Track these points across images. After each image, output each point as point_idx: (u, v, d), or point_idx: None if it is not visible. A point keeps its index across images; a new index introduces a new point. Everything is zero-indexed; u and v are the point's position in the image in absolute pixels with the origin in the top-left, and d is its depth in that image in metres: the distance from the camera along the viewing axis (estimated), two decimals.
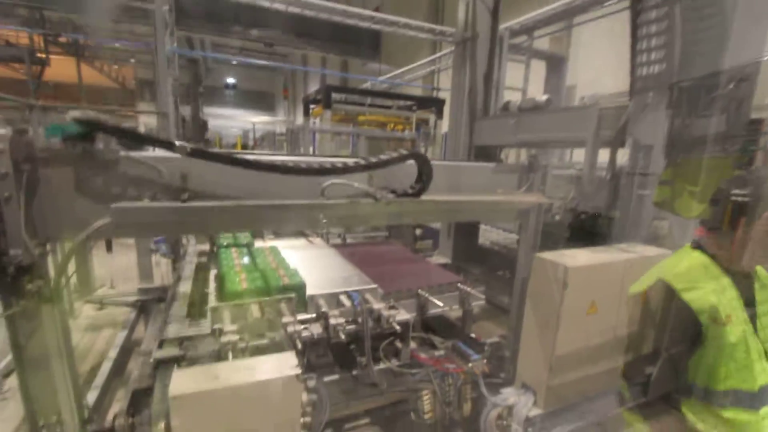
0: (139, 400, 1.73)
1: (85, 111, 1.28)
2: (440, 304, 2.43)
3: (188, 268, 3.16)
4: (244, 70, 22.43)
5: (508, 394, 2.37)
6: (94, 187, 1.46)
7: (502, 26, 5.34)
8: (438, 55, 9.51)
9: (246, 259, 2.63)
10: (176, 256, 3.88)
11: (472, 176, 2.23)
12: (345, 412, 2.19)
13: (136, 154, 1.51)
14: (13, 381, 3.16)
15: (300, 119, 10.25)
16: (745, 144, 2.28)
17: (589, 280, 2.14)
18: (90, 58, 16.45)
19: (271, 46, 13.87)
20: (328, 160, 1.74)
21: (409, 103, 8.81)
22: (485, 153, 3.62)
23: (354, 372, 2.28)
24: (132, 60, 17.59)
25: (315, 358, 2.37)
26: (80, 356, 3.41)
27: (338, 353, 2.44)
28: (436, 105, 8.36)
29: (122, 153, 1.49)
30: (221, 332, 1.78)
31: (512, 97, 5.01)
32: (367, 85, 12.25)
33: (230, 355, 1.70)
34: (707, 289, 1.88)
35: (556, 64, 6.99)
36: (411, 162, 1.87)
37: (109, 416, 1.66)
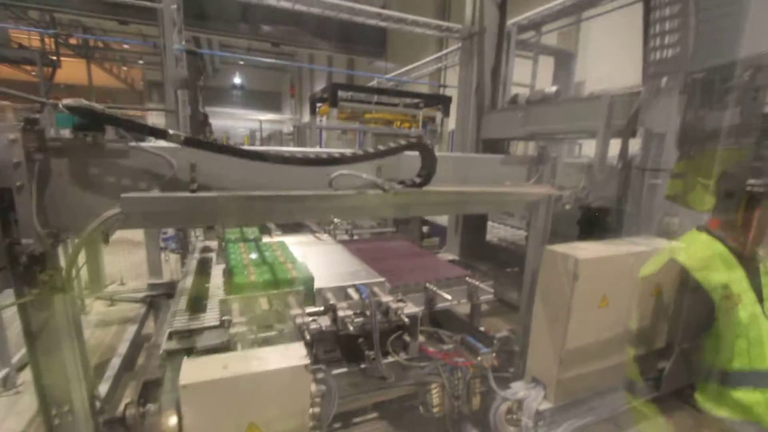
0: (150, 390, 1.75)
1: (77, 99, 1.29)
2: (448, 297, 2.41)
3: (196, 262, 3.18)
4: (251, 70, 22.56)
5: (518, 388, 2.35)
6: (104, 178, 1.47)
7: (509, 21, 5.30)
8: (444, 52, 9.49)
9: (254, 254, 2.64)
10: (185, 251, 3.91)
11: (480, 168, 2.20)
12: (353, 406, 2.18)
13: (146, 145, 1.52)
14: (26, 375, 3.21)
15: (306, 118, 10.27)
16: (761, 136, 2.23)
17: (600, 272, 2.11)
18: (100, 60, 16.70)
19: (277, 46, 13.92)
20: (333, 151, 1.74)
21: (415, 100, 8.78)
22: (493, 147, 3.59)
23: (362, 365, 2.28)
24: (140, 61, 17.81)
25: (323, 353, 2.37)
26: (91, 351, 3.44)
27: (346, 348, 2.43)
28: (443, 102, 8.32)
29: (132, 144, 1.50)
30: (230, 323, 1.79)
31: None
32: (373, 83, 12.25)
33: (239, 346, 1.71)
34: (718, 268, 1.91)
35: (564, 60, 6.93)
36: (418, 155, 1.86)
37: (120, 407, 1.67)
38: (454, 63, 9.11)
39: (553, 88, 2.66)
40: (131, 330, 3.43)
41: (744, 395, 1.90)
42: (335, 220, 4.87)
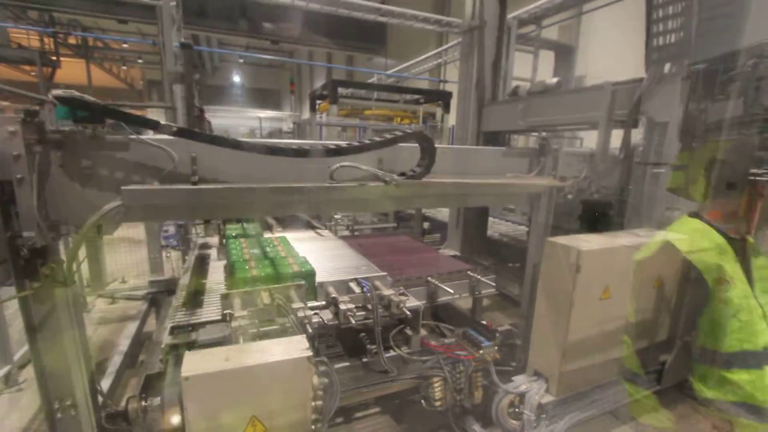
0: (152, 384, 1.75)
1: (68, 90, 1.28)
2: (450, 291, 2.41)
3: (198, 259, 3.18)
4: (250, 68, 22.51)
5: (520, 382, 2.35)
6: (104, 170, 1.47)
7: (509, 15, 5.27)
8: (444, 47, 9.44)
9: (255, 249, 2.64)
10: (186, 248, 3.91)
11: (481, 160, 2.19)
12: (356, 400, 2.18)
13: (146, 138, 1.51)
14: (28, 372, 3.21)
15: (306, 115, 10.25)
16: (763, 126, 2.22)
17: (602, 264, 2.10)
18: (99, 60, 16.67)
19: (276, 44, 13.87)
20: (332, 143, 1.73)
21: (415, 96, 8.75)
22: (493, 140, 3.58)
23: (364, 359, 2.28)
24: (140, 60, 17.78)
25: (325, 348, 2.36)
26: (92, 348, 3.45)
27: (348, 343, 2.43)
28: (443, 98, 8.29)
29: (132, 136, 1.49)
30: (232, 317, 1.78)
31: None
32: (373, 80, 12.21)
33: (241, 339, 1.70)
34: (711, 251, 1.97)
35: (565, 54, 6.90)
36: (418, 149, 1.85)
37: (122, 402, 1.67)
38: (454, 58, 9.06)
39: (555, 80, 2.64)
40: (133, 326, 3.43)
41: (734, 376, 1.96)
42: (336, 216, 4.87)
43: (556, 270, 2.14)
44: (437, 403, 2.30)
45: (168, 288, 3.74)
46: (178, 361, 1.63)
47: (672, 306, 2.46)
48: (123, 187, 1.40)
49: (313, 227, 3.95)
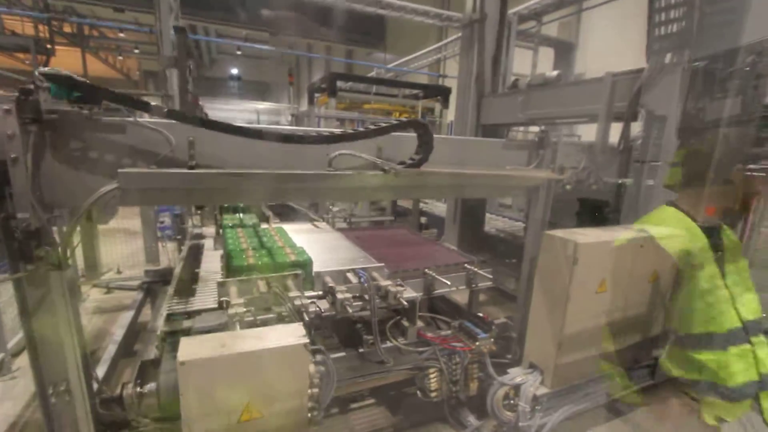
0: (147, 370, 1.73)
1: (55, 68, 1.27)
2: (447, 282, 2.41)
3: (194, 249, 3.16)
4: (248, 61, 22.32)
5: (516, 374, 2.36)
6: (100, 153, 1.45)
7: (510, 11, 5.25)
8: (444, 42, 9.42)
9: (252, 238, 2.62)
10: (182, 238, 3.89)
11: (479, 152, 2.18)
12: (352, 389, 2.18)
13: (143, 120, 1.49)
14: (21, 360, 3.19)
15: (304, 107, 10.22)
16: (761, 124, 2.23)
17: (599, 257, 2.11)
18: (95, 49, 16.46)
19: (275, 36, 13.77)
20: (330, 129, 1.72)
21: (414, 91, 8.73)
22: (492, 133, 3.57)
23: (360, 350, 2.28)
24: (136, 51, 17.58)
25: (321, 339, 2.36)
26: (87, 337, 3.43)
27: (344, 334, 2.43)
28: (442, 93, 8.27)
29: (129, 119, 1.47)
30: (228, 304, 1.78)
31: None
32: (372, 74, 12.16)
33: (237, 327, 1.70)
34: (681, 237, 2.05)
35: (564, 51, 6.90)
36: (417, 140, 1.84)
37: (118, 388, 1.66)
38: (453, 53, 9.04)
39: (555, 72, 2.64)
40: (128, 316, 3.41)
41: (700, 356, 2.03)
42: (333, 208, 4.86)
43: (553, 262, 2.14)
44: (433, 394, 2.31)
45: (164, 278, 3.72)
46: (174, 348, 1.62)
47: (667, 301, 2.47)
48: (120, 170, 1.38)
49: (310, 219, 3.93)
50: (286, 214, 4.33)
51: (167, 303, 2.03)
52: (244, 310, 1.75)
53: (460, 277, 2.62)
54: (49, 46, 11.47)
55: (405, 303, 2.09)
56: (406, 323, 2.39)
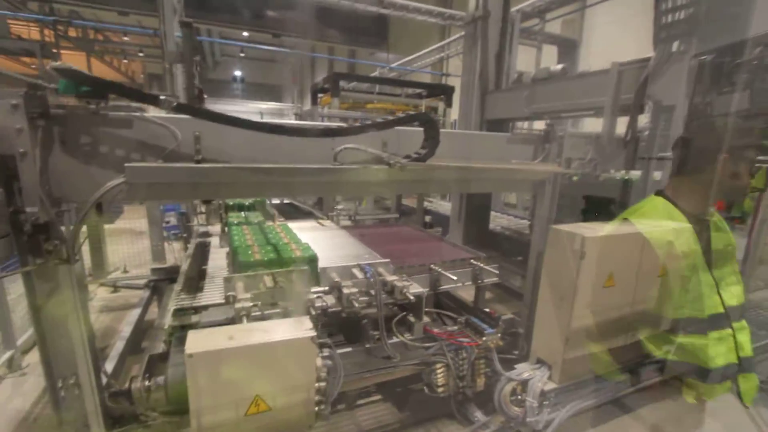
0: (155, 365, 1.74)
1: (65, 63, 1.28)
2: (453, 278, 2.40)
3: (199, 246, 3.18)
4: (252, 63, 22.44)
5: (523, 369, 2.34)
6: (107, 147, 1.46)
7: (513, 9, 5.24)
8: (447, 41, 9.41)
9: (258, 235, 2.63)
10: (188, 235, 3.91)
11: (485, 146, 2.18)
12: (359, 385, 2.18)
13: (150, 116, 1.50)
14: (31, 357, 3.22)
15: (308, 107, 10.25)
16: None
17: (606, 251, 2.09)
18: (100, 53, 16.62)
19: (278, 37, 13.82)
20: (337, 124, 1.72)
21: (417, 90, 8.72)
22: (497, 130, 3.56)
23: (367, 345, 2.27)
24: (141, 54, 17.72)
25: (327, 336, 2.36)
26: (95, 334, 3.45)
27: (350, 331, 2.43)
28: (445, 92, 8.26)
29: (136, 114, 1.48)
30: (234, 299, 1.78)
31: None
32: (375, 74, 12.18)
33: (244, 321, 1.70)
34: (666, 227, 2.05)
35: (568, 49, 6.87)
36: (423, 134, 1.84)
37: (126, 382, 1.67)
38: (456, 52, 9.03)
39: (559, 66, 2.62)
40: (135, 313, 3.43)
41: (679, 339, 2.09)
42: (338, 206, 4.86)
43: (560, 257, 2.13)
44: (440, 390, 2.30)
45: (170, 276, 3.75)
46: (181, 343, 1.63)
47: (675, 295, 2.45)
48: (126, 165, 1.39)
49: (315, 217, 3.94)
50: (290, 212, 4.35)
51: (175, 298, 2.04)
52: (251, 304, 1.75)
53: (466, 272, 2.61)
54: (54, 50, 11.60)
55: (412, 298, 2.08)
56: (412, 319, 2.39)
